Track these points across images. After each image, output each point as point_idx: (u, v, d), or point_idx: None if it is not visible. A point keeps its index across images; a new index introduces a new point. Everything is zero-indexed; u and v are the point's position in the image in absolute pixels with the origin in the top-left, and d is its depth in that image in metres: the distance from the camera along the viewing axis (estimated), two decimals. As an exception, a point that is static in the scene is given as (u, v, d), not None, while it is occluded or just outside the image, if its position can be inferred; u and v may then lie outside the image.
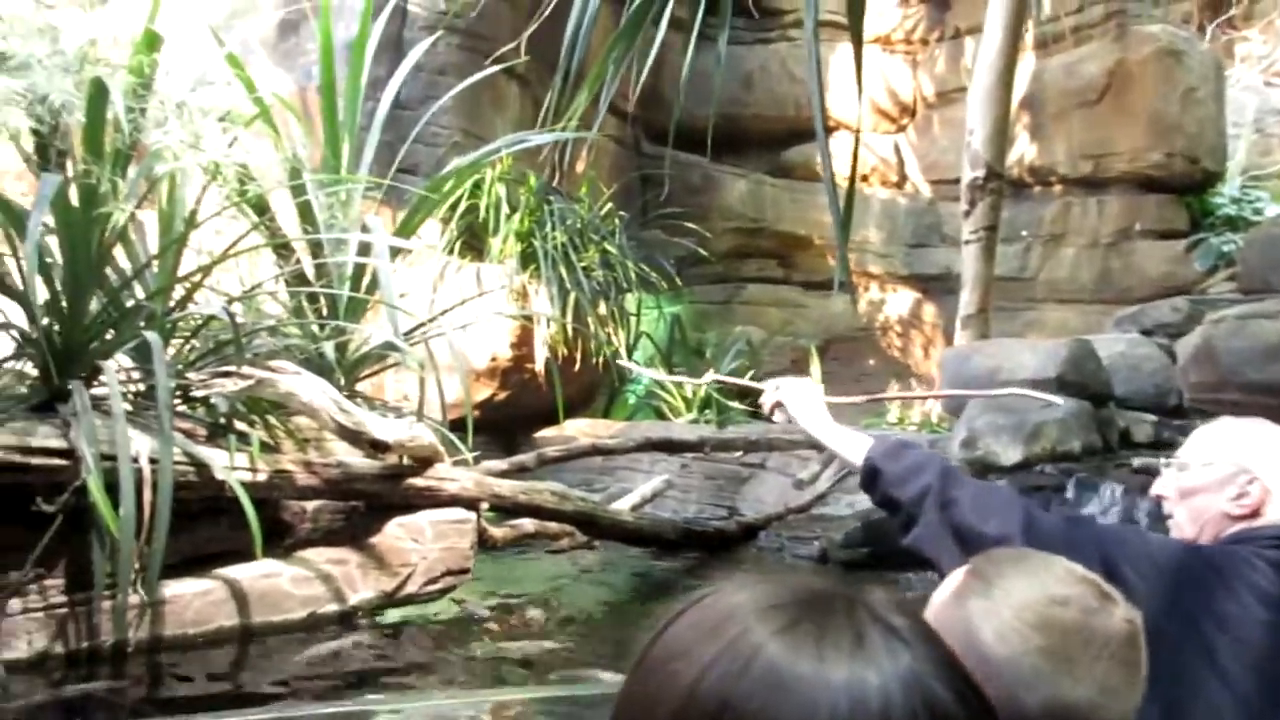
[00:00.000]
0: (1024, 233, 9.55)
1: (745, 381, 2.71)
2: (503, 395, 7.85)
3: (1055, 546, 1.43)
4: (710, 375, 2.70)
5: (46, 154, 3.47)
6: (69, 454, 3.37)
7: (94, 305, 3.76)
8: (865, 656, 0.62)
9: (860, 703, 0.60)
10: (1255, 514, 1.72)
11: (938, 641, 0.67)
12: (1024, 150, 9.62)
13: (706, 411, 8.77)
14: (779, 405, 2.14)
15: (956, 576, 1.22)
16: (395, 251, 4.97)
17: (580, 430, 7.88)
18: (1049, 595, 1.11)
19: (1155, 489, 1.87)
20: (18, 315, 3.70)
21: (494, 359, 7.73)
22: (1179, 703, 1.53)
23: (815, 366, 9.78)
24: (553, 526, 5.40)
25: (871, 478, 1.92)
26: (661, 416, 8.83)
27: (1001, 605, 1.11)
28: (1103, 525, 2.00)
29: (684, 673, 0.63)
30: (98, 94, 3.25)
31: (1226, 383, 4.41)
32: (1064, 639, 1.08)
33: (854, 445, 1.99)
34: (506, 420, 7.73)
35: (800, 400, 2.09)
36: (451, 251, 7.53)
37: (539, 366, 7.86)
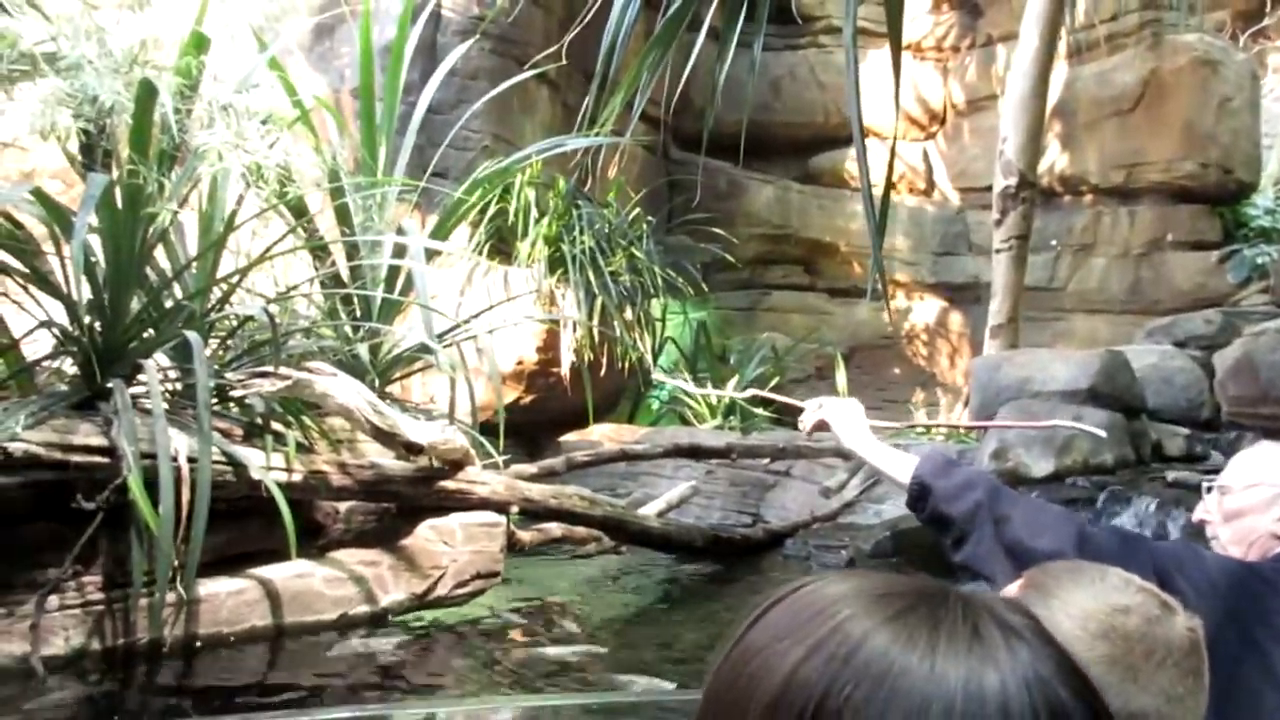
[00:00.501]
0: (1054, 242, 9.49)
1: (788, 399, 2.67)
2: (528, 399, 7.86)
3: (1109, 562, 1.43)
4: (753, 391, 2.68)
5: (92, 154, 3.50)
6: (109, 451, 3.39)
7: (135, 305, 3.79)
8: (983, 652, 0.58)
9: (976, 700, 0.56)
10: None
11: (1055, 642, 0.64)
12: (1055, 159, 9.57)
13: (731, 418, 8.76)
14: (822, 424, 2.13)
15: (1012, 590, 1.22)
16: (429, 255, 4.98)
17: (604, 435, 7.88)
18: (1111, 604, 1.11)
19: (1198, 513, 1.89)
20: (59, 313, 3.73)
21: (520, 362, 7.74)
22: (1237, 717, 1.52)
23: (840, 374, 9.75)
24: (579, 531, 5.40)
25: (920, 495, 1.91)
26: (685, 422, 8.82)
27: (1061, 615, 1.10)
28: (1157, 542, 1.98)
29: (782, 659, 0.59)
30: (146, 95, 3.28)
31: (1266, 396, 4.36)
32: (1127, 647, 1.08)
33: (900, 464, 1.98)
34: (530, 424, 7.74)
35: (844, 419, 2.09)
36: (480, 255, 7.55)
37: (564, 370, 7.87)
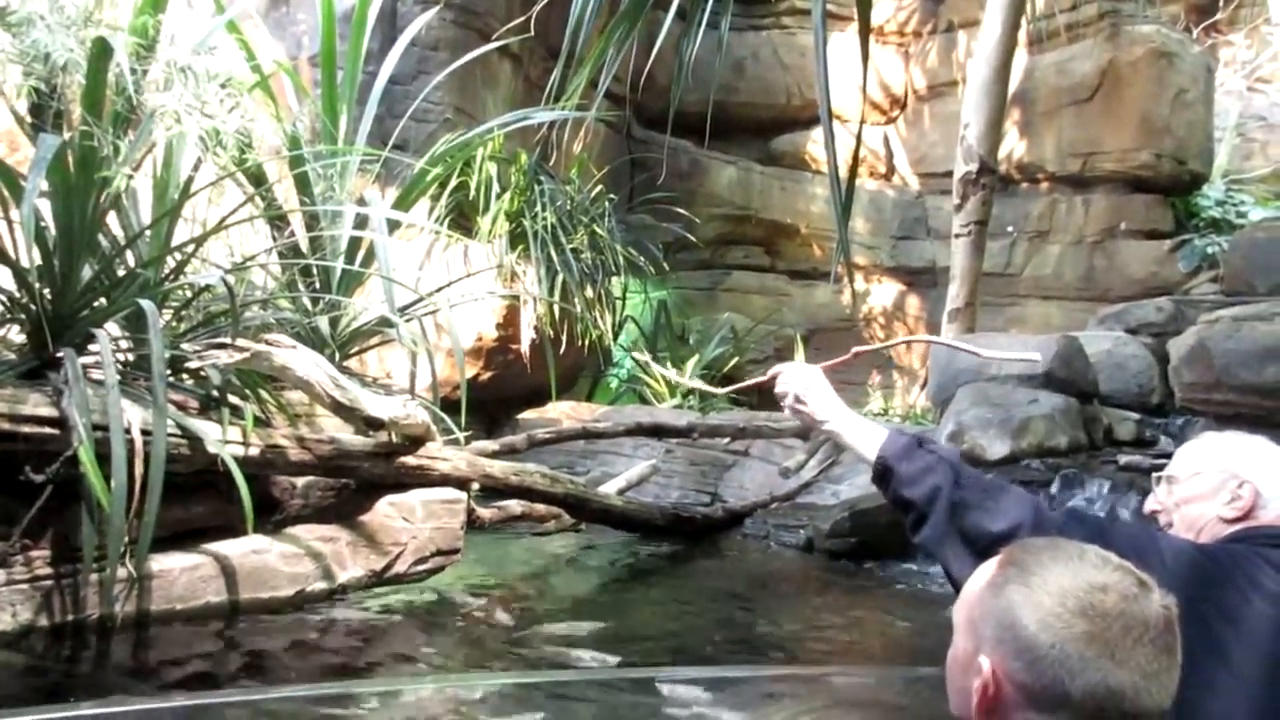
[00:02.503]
0: (1010, 229, 9.60)
1: (747, 383, 2.61)
2: (486, 376, 7.80)
3: None
4: (733, 387, 2.65)
5: (43, 114, 3.37)
6: (60, 423, 3.29)
7: (86, 272, 3.67)
8: None
9: None
10: (1247, 516, 1.80)
11: None
12: (1013, 146, 9.66)
13: (690, 398, 8.76)
14: (796, 398, 2.10)
15: (990, 566, 1.22)
16: (390, 227, 4.90)
17: (563, 413, 7.84)
18: (1089, 582, 1.12)
19: (1150, 504, 1.95)
20: (6, 280, 3.61)
21: (479, 339, 7.68)
22: (1192, 703, 1.53)
23: (799, 355, 9.78)
24: (539, 508, 5.37)
25: (883, 476, 1.91)
26: (644, 401, 8.82)
27: (1041, 593, 1.12)
28: (1113, 526, 2.02)
29: None
30: (101, 53, 3.16)
31: (1220, 383, 4.44)
32: (1105, 625, 1.09)
33: (868, 438, 1.96)
34: (489, 401, 7.68)
35: (808, 386, 2.07)
36: (441, 229, 7.46)
37: (524, 347, 7.81)
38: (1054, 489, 5.42)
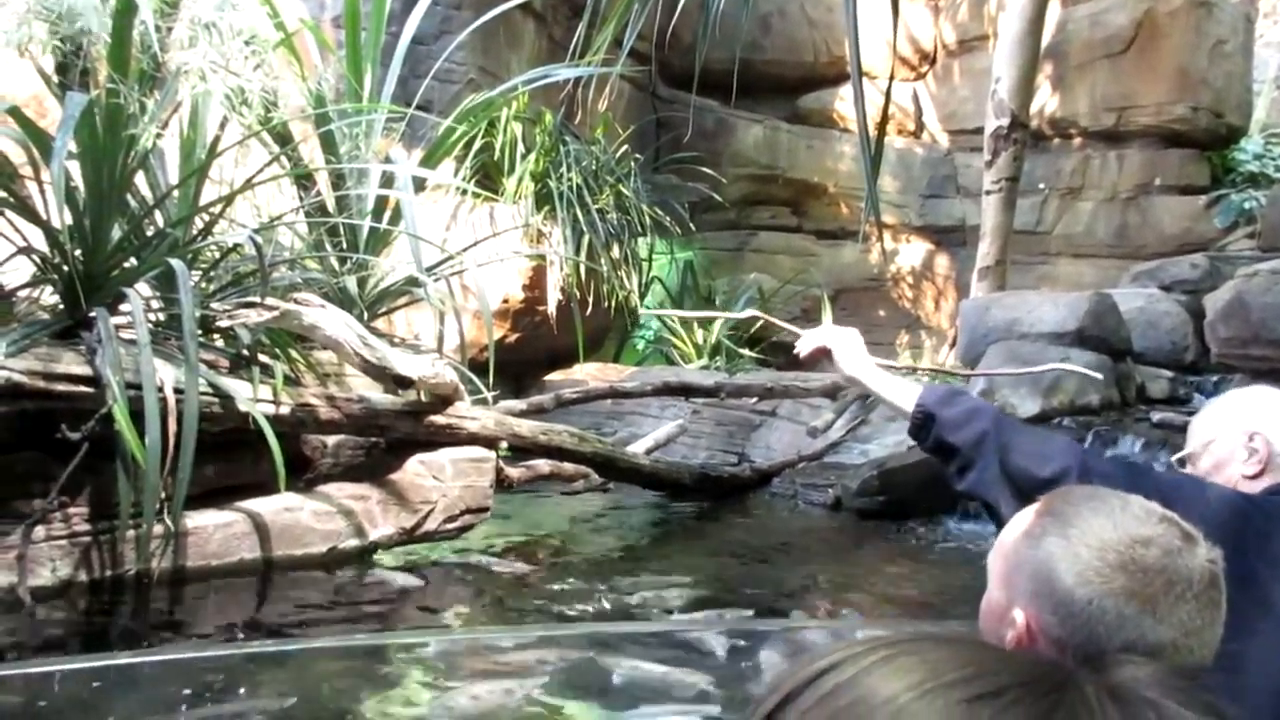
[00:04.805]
0: (1041, 185, 9.46)
1: (785, 324, 2.67)
2: (513, 338, 7.79)
3: None
4: (751, 311, 2.68)
5: (68, 73, 3.37)
6: (93, 381, 3.32)
7: (116, 232, 3.69)
8: None
9: None
10: (1267, 466, 1.76)
11: None
12: (1045, 101, 9.49)
13: (717, 358, 8.74)
14: (820, 351, 2.11)
15: (1027, 515, 1.19)
16: (416, 187, 4.89)
17: (590, 374, 7.84)
18: (1131, 535, 1.07)
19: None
20: (38, 240, 3.63)
21: (506, 300, 7.67)
22: (1236, 654, 1.51)
23: (827, 315, 9.73)
24: (568, 468, 5.38)
25: (924, 424, 1.90)
26: (671, 363, 8.80)
27: (1080, 546, 1.08)
28: (1160, 473, 1.99)
29: None
30: (125, 10, 3.15)
31: (1258, 338, 4.37)
32: (1146, 580, 1.05)
33: (903, 391, 1.98)
34: (515, 363, 7.68)
35: (845, 346, 2.07)
36: (465, 191, 7.43)
37: (551, 308, 7.80)
38: (1086, 446, 5.37)
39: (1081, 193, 9.53)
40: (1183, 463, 1.88)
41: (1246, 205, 8.44)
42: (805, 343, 2.15)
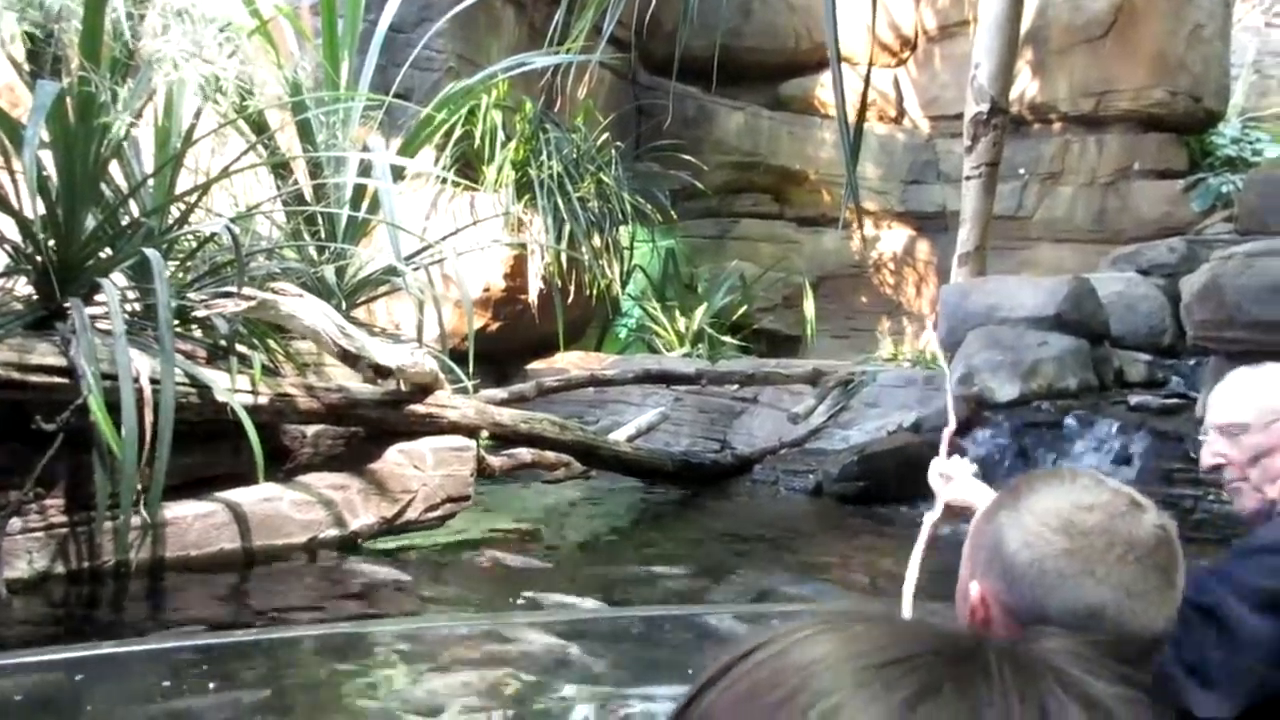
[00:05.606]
0: (1022, 170, 9.49)
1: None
2: (495, 327, 7.79)
3: None
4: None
5: (40, 61, 3.34)
6: (68, 372, 3.30)
7: (90, 222, 3.66)
8: None
9: None
10: None
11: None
12: (1025, 87, 9.51)
13: (699, 346, 8.75)
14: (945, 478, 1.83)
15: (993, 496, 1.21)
16: (395, 175, 4.87)
17: (572, 362, 7.84)
18: (1074, 502, 1.09)
19: (1209, 459, 1.76)
20: (10, 230, 3.60)
21: (487, 289, 7.66)
22: None
23: (809, 303, 9.76)
24: (549, 456, 5.39)
25: None
26: (653, 350, 8.81)
27: (1027, 515, 1.09)
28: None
29: None
30: (95, -2, 3.13)
31: (1232, 320, 4.40)
32: (1086, 542, 1.06)
33: None
34: (497, 352, 7.68)
35: (963, 481, 1.82)
36: (445, 180, 7.41)
37: (533, 297, 7.80)
38: (1064, 430, 5.41)
39: (1061, 177, 9.57)
40: (1204, 433, 1.75)
41: (1224, 189, 8.50)
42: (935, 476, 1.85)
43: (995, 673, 0.40)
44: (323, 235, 4.74)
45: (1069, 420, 5.34)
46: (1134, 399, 5.57)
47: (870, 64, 7.04)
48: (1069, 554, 1.05)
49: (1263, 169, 7.22)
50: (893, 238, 10.39)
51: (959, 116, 7.86)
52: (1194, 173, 9.01)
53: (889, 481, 5.51)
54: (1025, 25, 8.57)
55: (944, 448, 1.87)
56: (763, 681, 0.42)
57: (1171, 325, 6.43)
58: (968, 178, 7.31)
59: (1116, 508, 1.09)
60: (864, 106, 5.56)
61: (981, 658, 0.41)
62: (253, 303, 3.69)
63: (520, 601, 3.65)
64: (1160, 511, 1.11)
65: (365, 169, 4.78)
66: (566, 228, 7.81)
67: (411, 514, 4.36)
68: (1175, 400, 5.50)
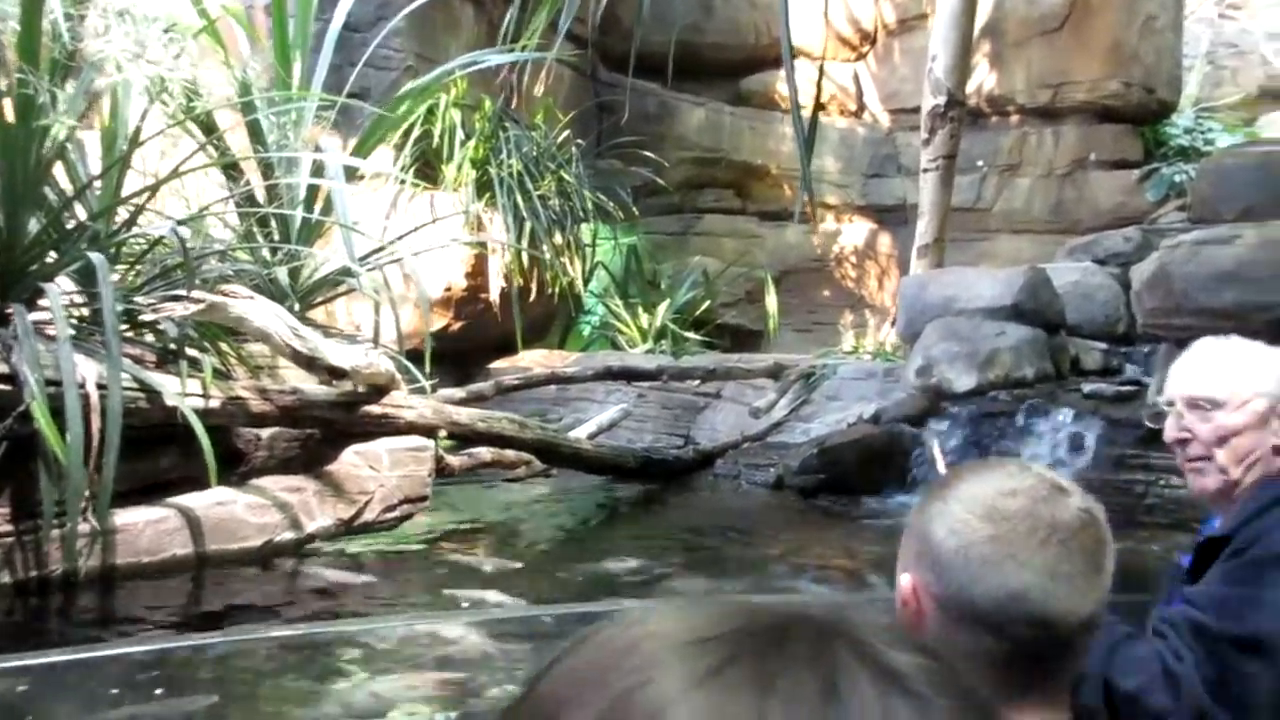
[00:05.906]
0: (980, 163, 9.56)
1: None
2: (456, 326, 7.75)
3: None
4: None
5: (-24, 64, 3.29)
6: (10, 379, 3.25)
7: (33, 226, 3.61)
8: (838, 718, 0.40)
9: None
10: None
11: (961, 691, 0.44)
12: (982, 79, 9.58)
13: (662, 342, 8.76)
14: None
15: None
16: (350, 175, 4.83)
17: (535, 361, 7.83)
18: (998, 488, 1.10)
19: (1172, 433, 1.71)
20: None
21: (448, 289, 7.62)
22: None
23: (772, 297, 9.79)
24: (510, 455, 5.38)
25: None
26: (617, 348, 8.81)
27: (954, 504, 1.10)
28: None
29: None
30: (31, -1, 3.08)
31: (1180, 308, 4.47)
32: (1010, 525, 1.07)
33: None
34: (460, 352, 7.65)
35: None
36: (404, 180, 7.36)
37: (494, 296, 7.77)
38: (1019, 419, 5.47)
39: (1019, 169, 9.66)
40: (1169, 404, 1.72)
41: (1177, 178, 8.61)
42: None
43: (792, 644, 0.42)
44: (276, 237, 4.70)
45: (1023, 409, 5.39)
46: (1088, 387, 5.64)
47: (824, 57, 7.07)
48: (993, 540, 1.06)
49: (1214, 158, 7.32)
50: (854, 231, 10.45)
51: (918, 110, 7.92)
52: (1149, 163, 9.13)
53: (848, 473, 5.55)
54: (982, 18, 8.64)
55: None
56: (583, 665, 0.45)
57: (1126, 314, 6.50)
58: (925, 170, 7.38)
59: (1039, 492, 1.09)
60: (818, 100, 5.59)
61: (786, 632, 0.43)
62: (202, 305, 3.66)
63: (466, 605, 3.64)
64: (1085, 495, 1.12)
65: (319, 169, 4.75)
66: (527, 226, 7.80)
67: (369, 515, 4.34)
68: (1129, 387, 5.57)
